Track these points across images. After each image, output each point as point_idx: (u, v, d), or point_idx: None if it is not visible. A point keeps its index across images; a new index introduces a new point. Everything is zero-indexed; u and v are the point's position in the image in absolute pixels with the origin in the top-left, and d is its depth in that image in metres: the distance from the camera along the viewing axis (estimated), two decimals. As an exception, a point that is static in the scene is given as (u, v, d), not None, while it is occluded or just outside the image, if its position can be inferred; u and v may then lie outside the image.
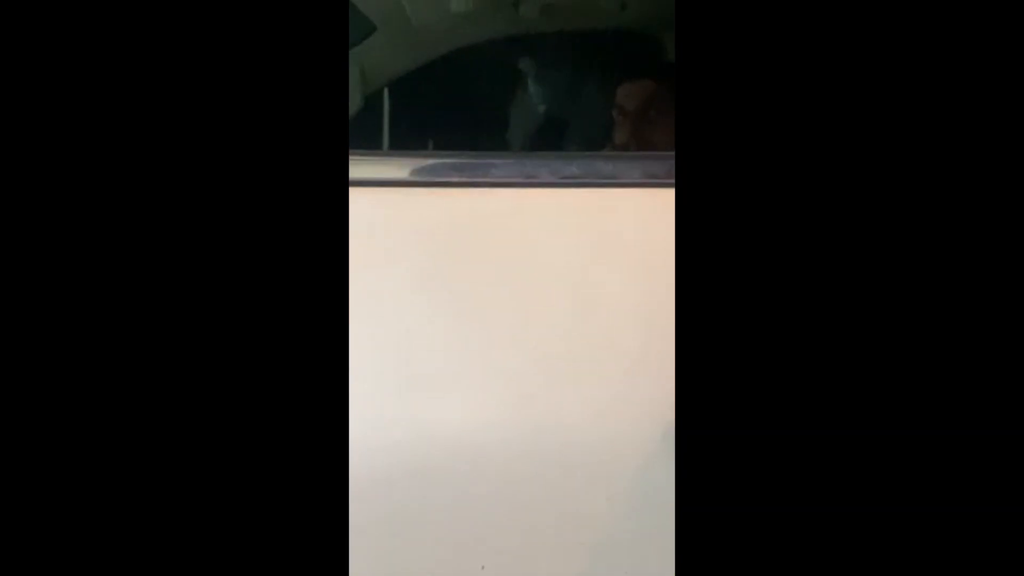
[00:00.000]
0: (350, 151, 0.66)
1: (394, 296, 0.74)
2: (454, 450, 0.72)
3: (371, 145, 1.11)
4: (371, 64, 1.14)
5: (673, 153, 0.52)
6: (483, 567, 0.70)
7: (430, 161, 0.76)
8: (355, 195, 0.73)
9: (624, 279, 0.73)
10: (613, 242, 0.74)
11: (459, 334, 0.74)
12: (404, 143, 1.12)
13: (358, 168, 0.78)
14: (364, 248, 0.73)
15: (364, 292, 0.72)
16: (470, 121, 1.23)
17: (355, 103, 1.14)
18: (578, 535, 0.72)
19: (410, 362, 0.74)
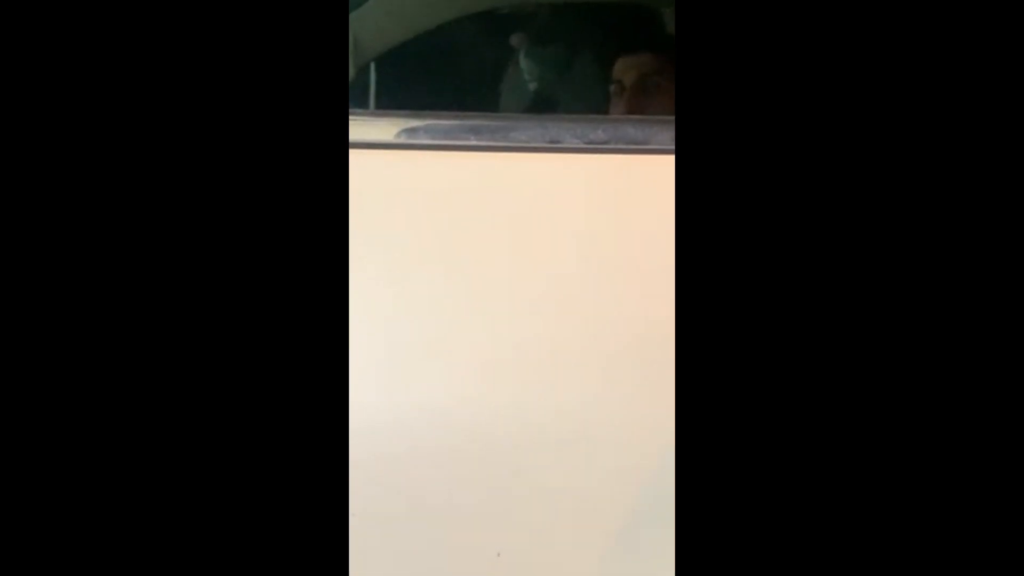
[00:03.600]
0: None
1: (401, 265, 0.70)
2: (464, 432, 0.69)
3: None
4: (364, 33, 1.11)
5: None
6: (499, 554, 0.67)
7: (444, 122, 0.72)
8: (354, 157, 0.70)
9: (654, 253, 0.69)
10: (641, 212, 0.70)
11: (472, 308, 0.70)
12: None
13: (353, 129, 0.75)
14: (371, 213, 0.69)
15: (368, 258, 0.68)
16: (463, 92, 1.20)
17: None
18: (595, 521, 0.69)
19: (416, 338, 0.70)
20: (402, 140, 0.71)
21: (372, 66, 1.19)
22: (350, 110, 0.77)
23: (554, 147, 0.71)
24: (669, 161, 0.70)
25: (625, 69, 1.16)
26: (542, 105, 1.25)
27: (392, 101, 1.16)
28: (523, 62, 1.30)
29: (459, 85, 1.19)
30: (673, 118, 0.66)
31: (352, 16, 1.12)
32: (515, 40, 1.31)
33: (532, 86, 1.30)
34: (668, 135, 0.70)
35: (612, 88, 1.15)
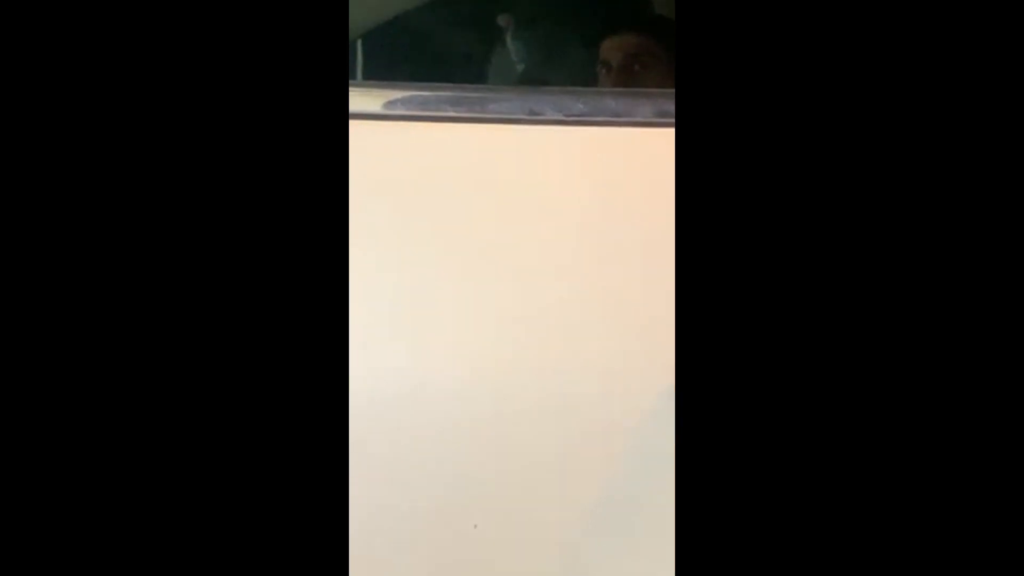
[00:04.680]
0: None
1: (383, 238, 0.69)
2: (444, 402, 0.68)
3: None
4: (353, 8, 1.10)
5: None
6: (475, 525, 0.67)
7: (424, 93, 0.71)
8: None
9: (633, 224, 0.69)
10: (621, 185, 0.70)
11: (454, 280, 0.70)
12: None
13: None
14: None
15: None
16: (448, 67, 1.20)
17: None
18: (572, 496, 0.69)
19: (397, 308, 0.70)
20: (382, 111, 0.71)
21: (359, 41, 1.19)
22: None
23: (534, 119, 0.70)
24: (650, 134, 0.71)
25: (611, 50, 1.16)
26: (527, 83, 1.24)
27: (378, 74, 1.15)
28: (510, 43, 1.29)
29: (445, 60, 1.18)
30: (655, 91, 0.66)
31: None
32: (502, 20, 1.31)
33: (519, 67, 1.30)
34: (649, 108, 0.70)
35: (599, 69, 1.15)
